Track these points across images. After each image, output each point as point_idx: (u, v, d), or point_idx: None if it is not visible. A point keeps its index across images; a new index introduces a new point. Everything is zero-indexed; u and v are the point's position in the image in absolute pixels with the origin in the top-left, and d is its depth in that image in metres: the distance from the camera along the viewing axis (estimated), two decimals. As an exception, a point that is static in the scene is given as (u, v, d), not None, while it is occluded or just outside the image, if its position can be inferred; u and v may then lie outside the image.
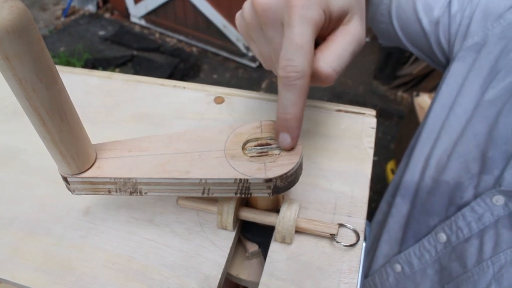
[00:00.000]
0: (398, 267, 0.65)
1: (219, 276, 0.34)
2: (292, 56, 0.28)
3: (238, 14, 0.36)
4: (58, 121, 0.28)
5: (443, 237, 0.58)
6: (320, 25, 0.30)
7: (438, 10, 0.58)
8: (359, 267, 0.35)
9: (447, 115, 0.60)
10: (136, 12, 2.95)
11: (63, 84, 0.28)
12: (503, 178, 0.51)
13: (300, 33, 0.28)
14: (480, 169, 0.55)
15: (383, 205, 0.75)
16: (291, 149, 0.32)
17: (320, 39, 0.33)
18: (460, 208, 0.56)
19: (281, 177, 0.30)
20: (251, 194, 0.32)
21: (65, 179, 0.33)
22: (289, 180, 0.31)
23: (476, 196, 0.55)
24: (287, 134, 0.31)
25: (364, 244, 0.42)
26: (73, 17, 3.13)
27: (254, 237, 0.38)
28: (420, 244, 0.61)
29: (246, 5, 0.34)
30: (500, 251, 0.51)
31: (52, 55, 2.67)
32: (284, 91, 0.29)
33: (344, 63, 0.32)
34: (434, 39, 0.61)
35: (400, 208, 0.67)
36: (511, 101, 0.52)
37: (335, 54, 0.31)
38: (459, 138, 0.58)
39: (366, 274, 0.73)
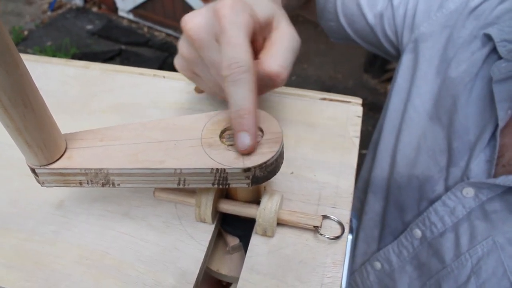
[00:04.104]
0: (378, 265, 0.64)
1: (197, 272, 0.32)
2: (233, 54, 0.29)
3: (176, 59, 0.38)
4: (21, 108, 0.26)
5: (418, 233, 0.57)
6: (251, 28, 0.31)
7: (381, 3, 0.59)
8: (344, 261, 0.34)
9: (405, 107, 0.59)
10: (124, 6, 2.91)
11: (26, 68, 0.26)
12: (469, 170, 0.50)
13: (235, 35, 0.30)
14: (448, 162, 0.54)
15: (354, 202, 0.73)
16: (251, 152, 0.30)
17: (257, 52, 0.34)
18: (432, 202, 0.55)
19: (260, 166, 0.29)
20: (229, 184, 0.30)
21: (33, 170, 0.31)
22: (269, 169, 0.30)
23: (447, 189, 0.54)
24: (246, 133, 0.29)
25: (350, 237, 0.41)
26: (60, 11, 3.08)
27: (234, 230, 0.37)
28: (398, 241, 0.61)
29: (181, 43, 0.36)
30: (476, 243, 0.50)
31: (39, 49, 2.63)
32: (233, 88, 0.29)
33: (288, 59, 0.33)
34: (380, 32, 0.61)
35: (373, 205, 0.66)
36: (466, 90, 0.51)
37: (278, 53, 0.33)
38: (425, 130, 0.57)
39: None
